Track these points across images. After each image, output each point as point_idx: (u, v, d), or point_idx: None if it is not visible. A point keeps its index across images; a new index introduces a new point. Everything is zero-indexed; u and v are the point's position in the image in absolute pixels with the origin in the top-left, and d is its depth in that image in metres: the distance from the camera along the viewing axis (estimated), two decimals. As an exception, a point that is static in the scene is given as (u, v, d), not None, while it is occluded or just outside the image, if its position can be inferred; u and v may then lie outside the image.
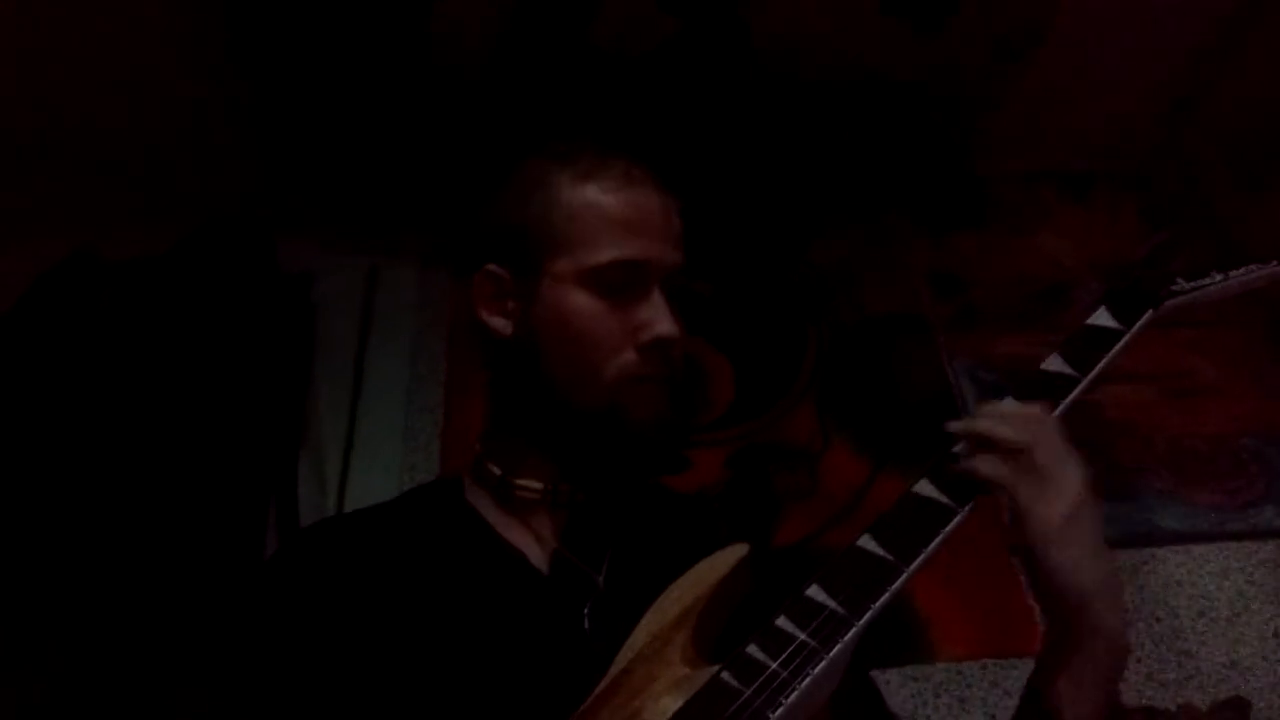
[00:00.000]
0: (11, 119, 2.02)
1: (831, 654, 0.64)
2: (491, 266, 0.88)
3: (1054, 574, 0.71)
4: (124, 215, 2.14)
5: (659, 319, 0.83)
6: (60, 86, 2.00)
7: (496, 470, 0.88)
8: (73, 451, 1.82)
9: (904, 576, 0.68)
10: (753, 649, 0.65)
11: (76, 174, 2.14)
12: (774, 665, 0.64)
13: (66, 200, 2.15)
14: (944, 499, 0.72)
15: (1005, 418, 0.74)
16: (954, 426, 0.75)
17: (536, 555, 0.84)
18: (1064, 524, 0.70)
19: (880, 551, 0.69)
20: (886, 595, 0.67)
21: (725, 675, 0.64)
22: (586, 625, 0.78)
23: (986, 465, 0.72)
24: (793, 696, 0.62)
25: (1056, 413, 0.76)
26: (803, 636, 0.65)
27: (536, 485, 0.86)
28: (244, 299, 2.08)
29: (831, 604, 0.66)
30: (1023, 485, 0.71)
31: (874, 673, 0.93)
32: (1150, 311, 0.82)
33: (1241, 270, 0.87)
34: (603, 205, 0.85)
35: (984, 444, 0.73)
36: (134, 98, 2.04)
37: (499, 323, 0.87)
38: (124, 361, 1.94)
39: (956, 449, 0.75)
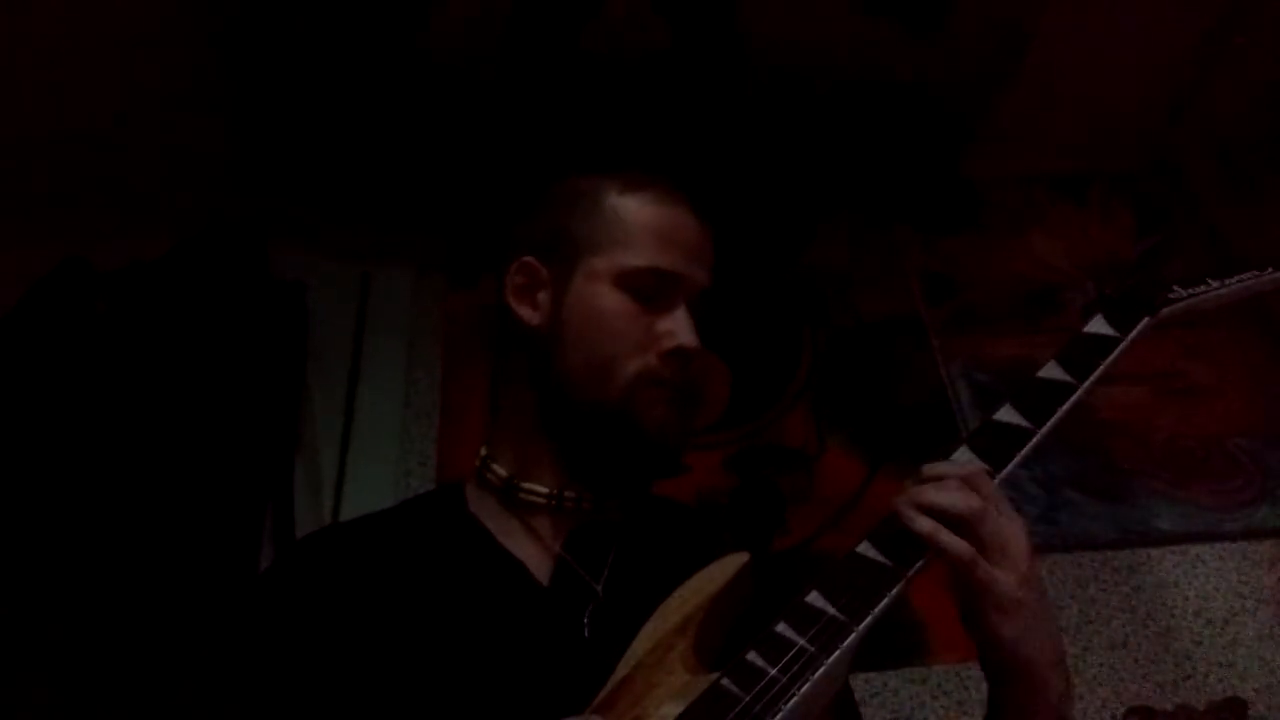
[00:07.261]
0: (1, 128, 2.02)
1: (831, 660, 0.64)
2: (528, 259, 0.91)
3: (1005, 643, 0.68)
4: (115, 223, 2.14)
5: (683, 330, 0.86)
6: (50, 95, 2.00)
7: (502, 473, 0.88)
8: (69, 458, 1.82)
9: (903, 582, 0.68)
10: (752, 655, 0.65)
11: (67, 182, 2.14)
12: (773, 671, 0.63)
13: (57, 209, 2.14)
14: None
15: (945, 485, 0.71)
16: (898, 502, 0.71)
17: (537, 564, 0.84)
18: (1018, 592, 0.68)
19: (879, 557, 0.69)
20: (886, 600, 0.67)
21: (725, 682, 0.64)
22: (587, 634, 0.78)
23: (946, 537, 0.69)
24: (792, 702, 0.62)
25: (1055, 419, 0.76)
26: (802, 642, 0.65)
27: (542, 489, 0.86)
28: (237, 306, 2.08)
29: (831, 610, 0.66)
30: (980, 560, 0.68)
31: (874, 675, 0.93)
32: (1147, 319, 0.82)
33: (1238, 278, 0.88)
34: (645, 216, 0.89)
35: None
36: (124, 105, 2.04)
37: (527, 312, 0.90)
38: (119, 369, 1.94)
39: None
